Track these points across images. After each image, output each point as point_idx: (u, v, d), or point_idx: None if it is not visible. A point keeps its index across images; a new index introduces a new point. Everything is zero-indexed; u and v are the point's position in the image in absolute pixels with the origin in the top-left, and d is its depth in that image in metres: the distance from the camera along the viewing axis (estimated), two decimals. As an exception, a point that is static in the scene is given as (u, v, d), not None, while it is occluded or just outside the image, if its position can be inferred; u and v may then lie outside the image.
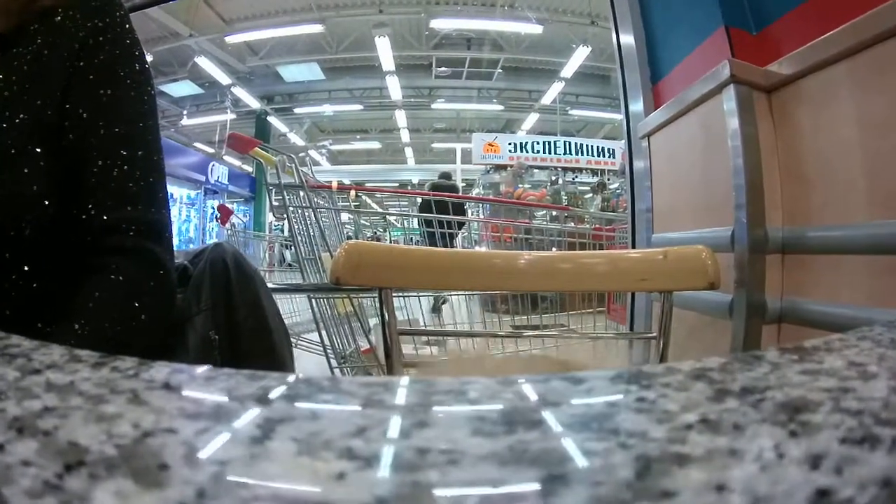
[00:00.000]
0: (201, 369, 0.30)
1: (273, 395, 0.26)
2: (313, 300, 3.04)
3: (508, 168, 11.59)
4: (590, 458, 0.19)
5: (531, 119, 18.64)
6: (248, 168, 18.10)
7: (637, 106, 2.20)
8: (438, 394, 0.26)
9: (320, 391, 0.27)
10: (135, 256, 0.99)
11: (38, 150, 0.93)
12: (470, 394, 0.26)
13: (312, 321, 3.18)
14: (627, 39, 2.14)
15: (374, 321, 3.33)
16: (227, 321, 1.17)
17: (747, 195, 1.31)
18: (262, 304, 1.27)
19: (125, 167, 1.01)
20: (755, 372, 0.30)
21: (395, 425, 0.23)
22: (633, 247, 2.32)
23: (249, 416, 0.23)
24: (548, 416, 0.23)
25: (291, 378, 0.29)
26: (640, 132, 1.98)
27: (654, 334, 1.27)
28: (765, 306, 1.32)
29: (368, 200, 17.29)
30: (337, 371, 2.95)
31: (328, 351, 3.01)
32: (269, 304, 1.32)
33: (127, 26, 1.06)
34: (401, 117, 18.33)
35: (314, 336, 3.20)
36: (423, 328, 2.71)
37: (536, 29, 12.17)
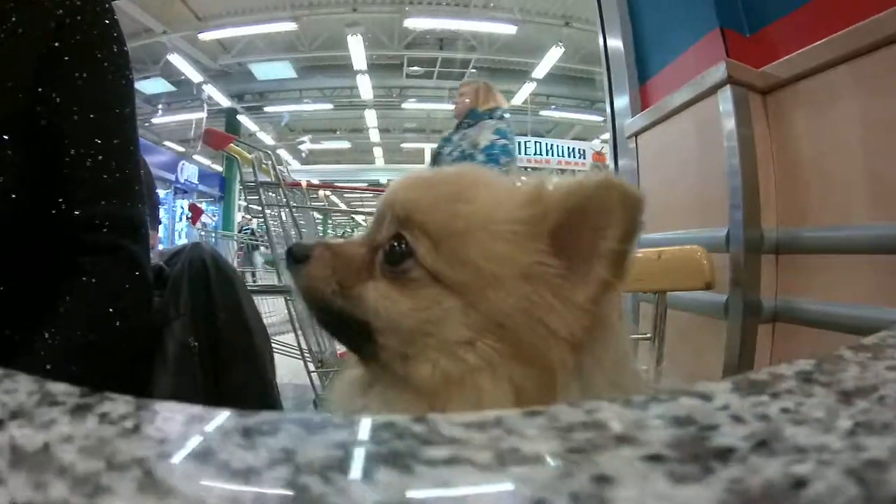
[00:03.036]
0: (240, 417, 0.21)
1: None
2: (289, 302, 2.95)
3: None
4: (814, 484, 0.17)
5: (502, 120, 18.60)
6: (218, 167, 17.83)
7: (623, 105, 2.20)
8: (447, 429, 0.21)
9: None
10: (110, 255, 0.93)
11: (6, 137, 0.87)
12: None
13: (286, 322, 3.11)
14: (615, 39, 2.14)
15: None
16: (207, 326, 1.13)
17: (744, 196, 1.32)
18: (243, 307, 1.22)
19: (100, 157, 0.94)
20: (849, 372, 0.29)
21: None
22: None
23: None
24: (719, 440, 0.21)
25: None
26: (626, 132, 1.98)
27: (649, 335, 1.27)
28: (760, 306, 1.33)
29: (337, 200, 17.15)
30: (315, 377, 2.87)
31: (305, 355, 2.94)
32: (250, 306, 1.27)
33: (107, 6, 1.00)
34: (371, 117, 18.20)
35: (287, 338, 3.10)
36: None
37: (510, 29, 12.19)
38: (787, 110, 1.33)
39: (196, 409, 0.21)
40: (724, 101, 1.35)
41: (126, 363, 0.98)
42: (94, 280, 0.91)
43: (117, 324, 0.93)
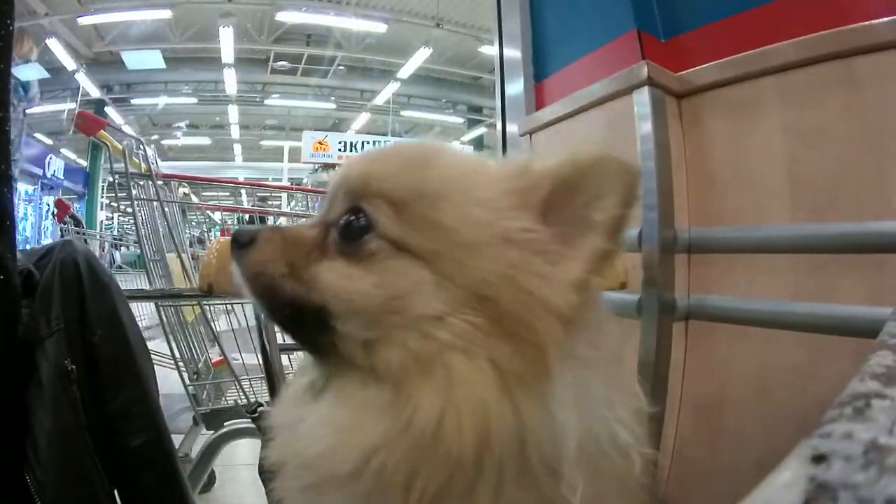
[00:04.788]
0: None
1: None
2: (161, 308, 2.69)
3: (337, 167, 11.47)
4: None
5: (362, 119, 18.66)
6: (83, 162, 16.65)
7: (515, 103, 2.18)
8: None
9: None
10: None
11: None
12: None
13: (153, 327, 2.88)
14: (512, 33, 2.13)
15: (220, 326, 3.06)
16: (82, 344, 1.00)
17: (659, 198, 1.33)
18: (122, 319, 1.09)
19: None
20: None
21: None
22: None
23: None
24: None
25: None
26: (521, 129, 1.97)
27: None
28: (674, 304, 1.35)
29: (195, 198, 16.36)
30: (191, 389, 2.65)
31: (179, 364, 2.70)
32: (128, 317, 1.14)
33: None
34: (233, 112, 17.66)
35: (157, 345, 2.85)
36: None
37: (381, 27, 12.19)
38: (703, 115, 1.37)
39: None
40: (641, 102, 1.36)
41: None
42: None
43: None
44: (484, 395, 0.54)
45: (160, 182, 2.89)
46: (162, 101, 16.34)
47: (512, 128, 2.18)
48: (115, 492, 1.03)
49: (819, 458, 0.24)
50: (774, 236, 1.21)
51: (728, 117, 1.32)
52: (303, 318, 0.64)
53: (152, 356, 2.83)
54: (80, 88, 14.10)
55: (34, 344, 0.94)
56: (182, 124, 18.32)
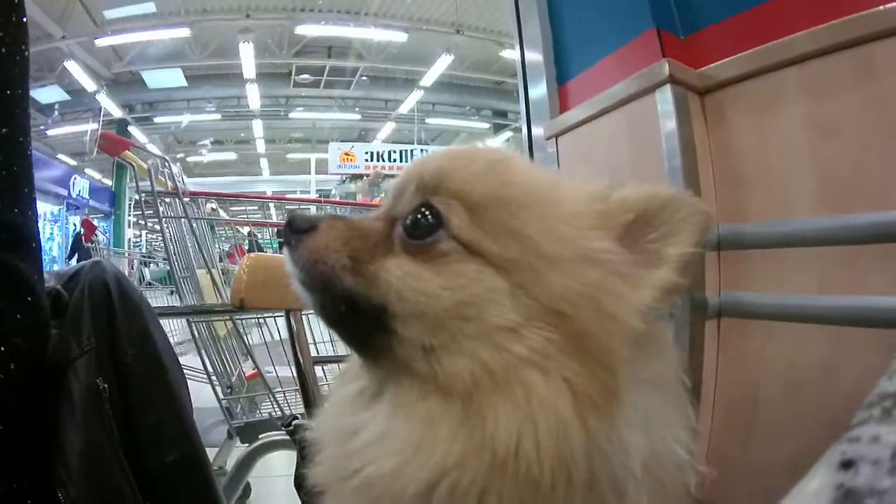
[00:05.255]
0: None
1: None
2: (192, 323, 2.70)
3: (364, 177, 11.51)
4: None
5: (387, 128, 18.72)
6: (108, 181, 16.97)
7: (539, 108, 2.17)
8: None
9: None
10: None
11: None
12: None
13: (185, 342, 2.90)
14: (533, 38, 2.13)
15: (253, 339, 3.09)
16: (114, 363, 1.00)
17: (686, 195, 1.32)
18: (153, 338, 1.10)
19: None
20: None
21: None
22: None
23: None
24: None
25: None
26: (546, 133, 1.97)
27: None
28: (706, 303, 1.34)
29: (223, 213, 16.53)
30: (225, 403, 2.67)
31: (213, 379, 2.72)
32: (160, 335, 1.14)
33: None
34: (258, 127, 17.82)
35: (189, 359, 2.87)
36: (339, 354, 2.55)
37: (401, 37, 12.24)
38: (726, 111, 1.36)
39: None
40: (664, 100, 1.35)
41: (25, 415, 0.84)
42: None
43: (11, 366, 0.78)
44: (564, 415, 0.53)
45: (187, 199, 2.92)
46: (185, 118, 16.56)
47: (537, 131, 2.17)
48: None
49: (847, 464, 0.24)
50: (801, 230, 1.19)
51: (750, 112, 1.31)
52: (359, 317, 0.61)
53: (185, 371, 2.89)
54: (102, 109, 14.39)
55: (65, 364, 0.94)
56: (206, 142, 18.54)
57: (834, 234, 1.14)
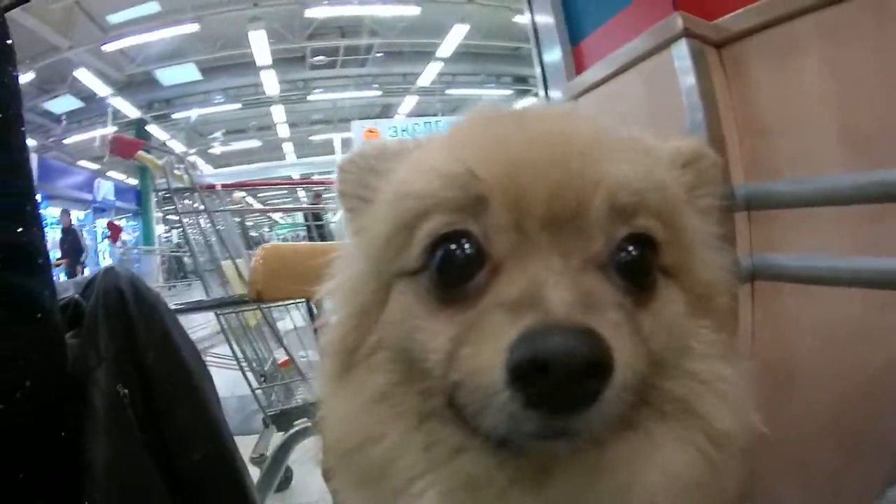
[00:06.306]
0: None
1: None
2: (221, 315, 2.65)
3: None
4: None
5: (409, 102, 18.62)
6: (134, 181, 17.26)
7: (555, 69, 2.14)
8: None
9: None
10: (4, 300, 0.77)
11: None
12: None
13: (219, 333, 2.90)
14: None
15: (285, 326, 3.07)
16: (135, 367, 0.98)
17: (710, 150, 1.27)
18: (173, 338, 1.07)
19: None
20: None
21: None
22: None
23: None
24: None
25: None
26: (566, 94, 1.92)
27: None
28: (738, 265, 1.28)
29: (252, 201, 16.73)
30: (259, 392, 2.66)
31: (243, 365, 2.71)
32: (180, 335, 1.11)
33: None
34: (278, 112, 17.88)
35: (226, 349, 2.87)
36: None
37: (414, 10, 12.12)
38: (745, 63, 1.30)
39: None
40: (680, 55, 1.29)
41: (46, 430, 0.83)
42: None
43: (27, 384, 0.77)
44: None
45: (207, 193, 2.92)
46: (193, 113, 16.62)
47: (555, 94, 2.13)
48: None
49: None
50: (832, 187, 1.13)
51: (769, 63, 1.24)
52: None
53: (219, 361, 2.91)
54: (110, 113, 14.45)
55: (85, 375, 0.93)
56: (218, 134, 18.61)
57: (867, 192, 1.07)
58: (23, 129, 0.87)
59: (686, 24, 1.25)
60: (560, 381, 0.37)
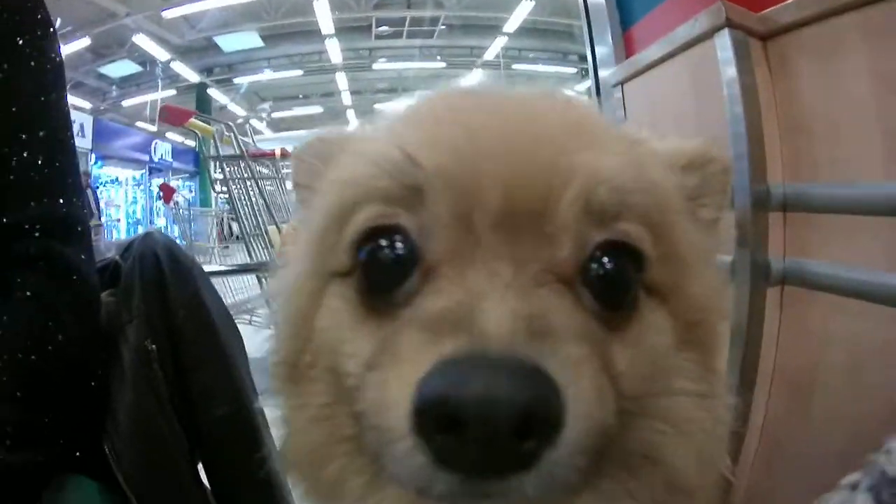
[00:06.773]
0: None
1: None
2: (262, 278, 2.78)
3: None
4: None
5: (474, 76, 18.47)
6: (192, 143, 17.78)
7: (605, 54, 2.12)
8: None
9: None
10: (43, 265, 0.85)
11: None
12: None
13: (260, 297, 3.00)
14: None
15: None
16: (165, 326, 1.04)
17: (748, 146, 1.21)
18: (204, 302, 1.12)
19: (25, 154, 0.85)
20: None
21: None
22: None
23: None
24: None
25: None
26: (612, 80, 1.87)
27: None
28: (769, 267, 1.23)
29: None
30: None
31: None
32: (212, 298, 1.17)
33: None
34: (342, 80, 18.02)
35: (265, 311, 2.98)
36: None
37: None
38: (789, 58, 1.23)
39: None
40: (723, 46, 1.23)
41: (75, 380, 0.90)
42: (28, 294, 0.83)
43: (60, 338, 0.84)
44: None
45: (260, 160, 3.00)
46: (245, 80, 16.84)
47: (604, 77, 2.09)
48: (200, 463, 1.09)
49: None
50: (873, 195, 1.05)
51: (814, 60, 1.18)
52: None
53: (260, 322, 3.00)
54: (176, 76, 14.62)
55: (116, 330, 0.99)
56: (266, 105, 18.81)
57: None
58: (66, 109, 0.94)
59: (729, 14, 1.19)
60: (478, 439, 0.29)
